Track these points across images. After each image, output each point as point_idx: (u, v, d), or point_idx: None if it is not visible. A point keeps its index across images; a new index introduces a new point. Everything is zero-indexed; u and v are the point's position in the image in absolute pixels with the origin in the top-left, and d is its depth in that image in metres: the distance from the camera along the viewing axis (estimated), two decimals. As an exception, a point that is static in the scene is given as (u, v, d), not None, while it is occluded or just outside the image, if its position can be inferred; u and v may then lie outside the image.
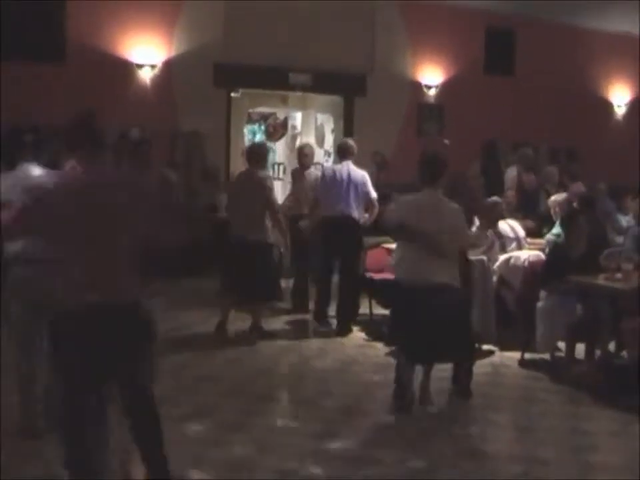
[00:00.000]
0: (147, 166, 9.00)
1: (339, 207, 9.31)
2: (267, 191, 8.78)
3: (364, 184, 9.44)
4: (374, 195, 9.52)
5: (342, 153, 9.70)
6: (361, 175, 9.50)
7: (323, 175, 9.72)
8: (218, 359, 8.21)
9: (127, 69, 13.11)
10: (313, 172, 10.50)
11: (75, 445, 4.13)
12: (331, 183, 9.42)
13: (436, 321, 6.42)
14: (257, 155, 9.16)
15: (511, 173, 12.22)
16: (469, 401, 7.05)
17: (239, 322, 9.25)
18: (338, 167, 9.63)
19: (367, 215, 9.53)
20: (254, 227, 8.72)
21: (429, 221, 6.53)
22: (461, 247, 7.04)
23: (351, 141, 9.98)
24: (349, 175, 9.39)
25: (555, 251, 8.23)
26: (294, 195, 10.65)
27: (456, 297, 6.60)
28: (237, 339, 8.95)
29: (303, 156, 10.59)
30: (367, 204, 9.52)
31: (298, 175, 10.79)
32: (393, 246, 9.62)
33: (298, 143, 16.93)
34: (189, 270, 10.67)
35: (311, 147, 11.23)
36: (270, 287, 9.03)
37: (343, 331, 9.33)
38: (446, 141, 7.12)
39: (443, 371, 7.09)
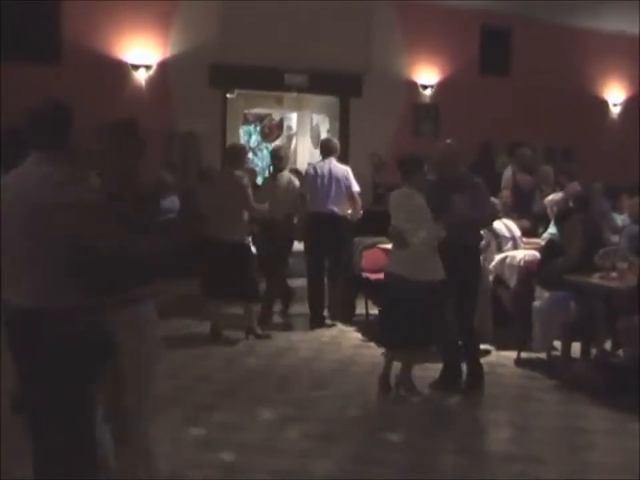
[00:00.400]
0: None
1: (322, 203, 9.51)
2: (244, 189, 8.76)
3: (346, 178, 9.62)
4: (356, 188, 9.68)
5: (324, 150, 9.90)
6: (343, 169, 9.70)
7: (307, 173, 9.89)
8: (214, 360, 8.21)
9: (122, 70, 13.10)
10: (286, 175, 9.99)
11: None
12: (313, 180, 9.60)
13: (405, 310, 6.77)
14: (233, 155, 9.17)
15: (507, 173, 12.23)
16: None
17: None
18: (320, 164, 9.80)
19: (350, 211, 9.69)
20: (232, 227, 8.72)
21: (400, 218, 6.94)
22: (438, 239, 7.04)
23: (334, 140, 10.33)
24: (330, 171, 9.62)
25: (550, 249, 8.24)
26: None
27: (433, 290, 6.77)
28: (233, 341, 8.95)
29: (278, 158, 9.98)
30: (350, 198, 9.68)
31: (270, 178, 10.29)
32: (389, 246, 9.69)
33: (294, 143, 16.98)
34: (189, 271, 10.61)
35: (286, 149, 11.15)
36: (249, 287, 8.98)
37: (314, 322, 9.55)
38: (448, 141, 7.24)
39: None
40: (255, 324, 9.09)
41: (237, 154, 9.17)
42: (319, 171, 9.64)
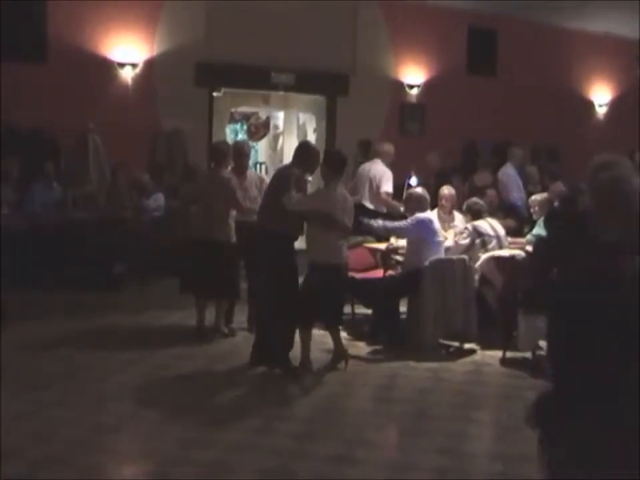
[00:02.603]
0: None
1: (361, 198, 10.97)
2: (230, 189, 8.70)
3: (378, 179, 11.05)
4: (384, 189, 10.86)
5: (371, 153, 11.62)
6: (380, 172, 11.12)
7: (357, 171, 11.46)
8: (198, 357, 8.19)
9: (108, 68, 13.07)
10: (250, 174, 9.56)
11: None
12: (357, 177, 11.37)
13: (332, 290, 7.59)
14: (219, 154, 9.07)
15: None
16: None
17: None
18: (366, 164, 11.46)
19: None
20: (218, 226, 8.70)
21: (340, 210, 7.55)
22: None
23: (385, 144, 11.65)
24: (368, 171, 11.26)
25: (537, 249, 8.24)
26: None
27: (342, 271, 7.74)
28: (222, 339, 8.93)
29: (244, 156, 9.49)
30: (377, 196, 10.85)
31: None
32: (375, 245, 9.71)
33: (280, 142, 16.97)
34: (172, 269, 10.61)
35: (250, 146, 10.90)
36: (233, 286, 8.97)
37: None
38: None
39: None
40: (222, 323, 9.07)
41: (223, 154, 9.08)
42: (360, 169, 11.41)
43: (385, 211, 10.87)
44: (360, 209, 10.21)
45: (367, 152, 12.17)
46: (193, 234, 8.99)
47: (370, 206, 10.99)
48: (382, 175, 11.17)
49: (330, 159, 7.79)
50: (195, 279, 8.85)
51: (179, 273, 9.26)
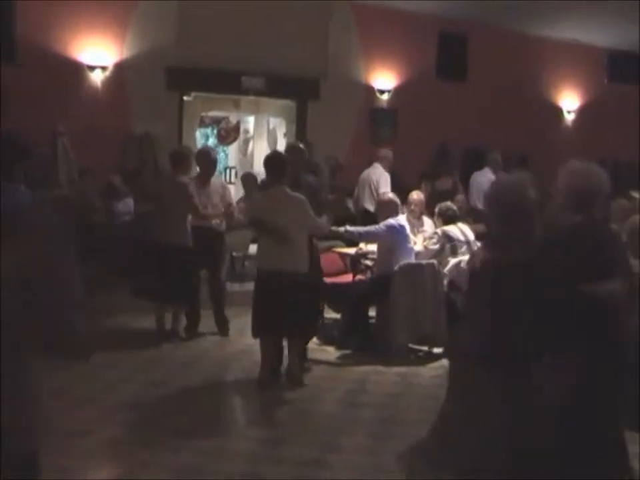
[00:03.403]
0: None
1: (358, 200, 12.19)
2: (188, 195, 8.65)
3: (376, 182, 11.82)
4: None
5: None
6: (377, 175, 11.91)
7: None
8: (167, 362, 8.17)
9: (78, 71, 13.01)
10: (214, 182, 9.34)
11: None
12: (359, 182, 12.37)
13: (281, 302, 7.19)
14: (177, 159, 9.01)
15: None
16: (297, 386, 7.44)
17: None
18: (366, 170, 12.16)
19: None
20: (175, 231, 8.65)
21: (280, 214, 7.25)
22: (310, 233, 7.57)
23: (382, 150, 12.37)
24: (368, 175, 12.16)
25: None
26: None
27: (302, 281, 7.25)
28: (188, 344, 8.91)
29: (210, 163, 9.33)
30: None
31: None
32: (345, 250, 9.74)
33: (250, 147, 16.96)
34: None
35: (217, 152, 10.73)
36: (188, 291, 8.94)
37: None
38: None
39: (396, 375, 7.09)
40: (179, 326, 9.05)
41: (183, 158, 9.03)
42: (361, 176, 12.14)
43: None
44: (364, 214, 10.74)
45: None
46: (151, 238, 8.92)
47: (371, 209, 11.22)
48: (379, 177, 11.84)
49: (267, 163, 7.67)
50: (149, 283, 8.77)
51: (134, 276, 9.21)
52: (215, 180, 9.56)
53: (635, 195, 11.02)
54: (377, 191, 11.50)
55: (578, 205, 4.38)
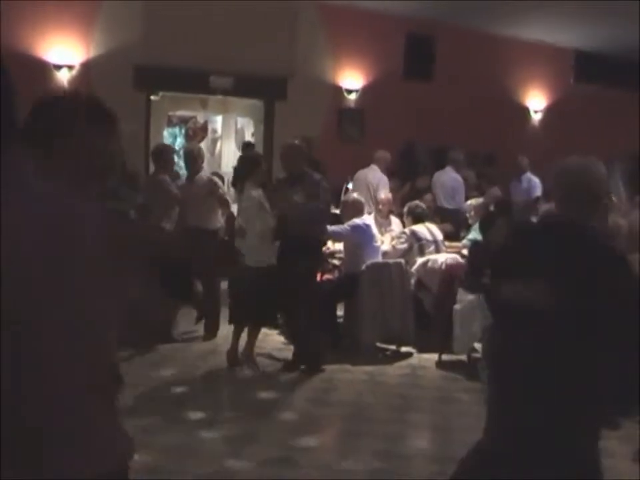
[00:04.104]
0: None
1: None
2: (170, 194, 8.68)
3: (376, 184, 11.51)
4: (379, 195, 10.73)
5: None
6: (376, 177, 11.60)
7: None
8: (137, 361, 8.14)
9: (43, 70, 12.89)
10: (200, 179, 9.31)
11: None
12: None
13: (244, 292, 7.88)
14: (157, 156, 9.08)
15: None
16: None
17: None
18: (363, 170, 11.85)
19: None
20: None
21: (241, 213, 8.00)
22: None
23: (379, 151, 12.06)
24: (365, 176, 11.76)
25: (474, 252, 8.35)
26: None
27: (262, 273, 7.76)
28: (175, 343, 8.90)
29: (193, 160, 9.36)
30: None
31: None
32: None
33: (218, 147, 16.92)
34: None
35: (200, 149, 10.26)
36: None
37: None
38: (296, 141, 8.11)
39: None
40: (173, 328, 9.04)
41: (161, 155, 9.07)
42: (357, 176, 11.74)
43: None
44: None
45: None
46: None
47: (370, 210, 11.11)
48: (379, 181, 11.55)
49: (240, 164, 8.17)
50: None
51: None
52: (202, 177, 9.46)
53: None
54: (375, 193, 11.23)
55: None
